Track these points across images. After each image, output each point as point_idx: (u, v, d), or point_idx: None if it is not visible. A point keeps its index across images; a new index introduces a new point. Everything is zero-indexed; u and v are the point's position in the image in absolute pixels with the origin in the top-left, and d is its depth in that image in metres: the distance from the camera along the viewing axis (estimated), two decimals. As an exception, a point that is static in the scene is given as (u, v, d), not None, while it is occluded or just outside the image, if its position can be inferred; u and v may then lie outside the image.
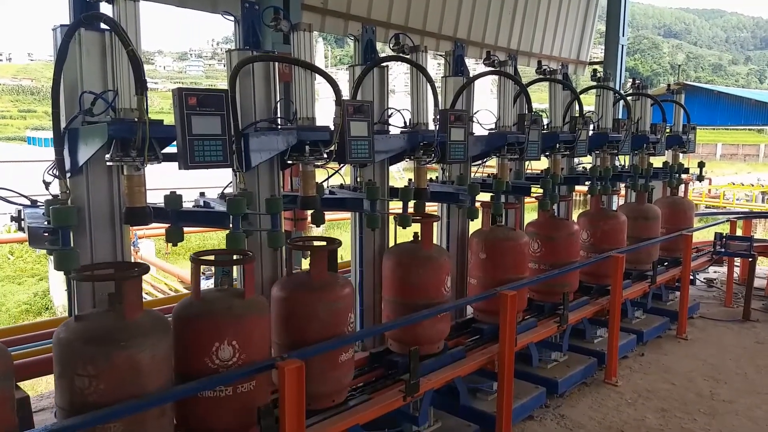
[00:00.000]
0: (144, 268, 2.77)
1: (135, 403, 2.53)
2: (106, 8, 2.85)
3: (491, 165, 5.31)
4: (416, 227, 4.23)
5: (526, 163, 5.67)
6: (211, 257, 3.32)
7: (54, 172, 2.88)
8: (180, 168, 2.84)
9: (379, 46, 4.42)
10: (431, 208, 4.79)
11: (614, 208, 7.52)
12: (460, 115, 4.36)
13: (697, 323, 7.30)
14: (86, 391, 2.51)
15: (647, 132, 6.88)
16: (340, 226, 17.51)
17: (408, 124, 4.37)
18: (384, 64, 4.32)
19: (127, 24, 2.78)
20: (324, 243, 3.63)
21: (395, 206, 4.51)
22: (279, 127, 3.56)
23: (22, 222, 3.19)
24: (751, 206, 23.01)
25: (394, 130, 4.34)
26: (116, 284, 2.73)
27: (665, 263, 7.24)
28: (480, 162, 5.22)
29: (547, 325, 5.12)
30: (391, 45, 4.48)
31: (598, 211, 6.36)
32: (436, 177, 5.08)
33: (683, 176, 7.76)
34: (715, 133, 53.22)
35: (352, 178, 4.37)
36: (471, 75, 5.05)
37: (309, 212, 3.95)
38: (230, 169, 3.27)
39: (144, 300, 3.40)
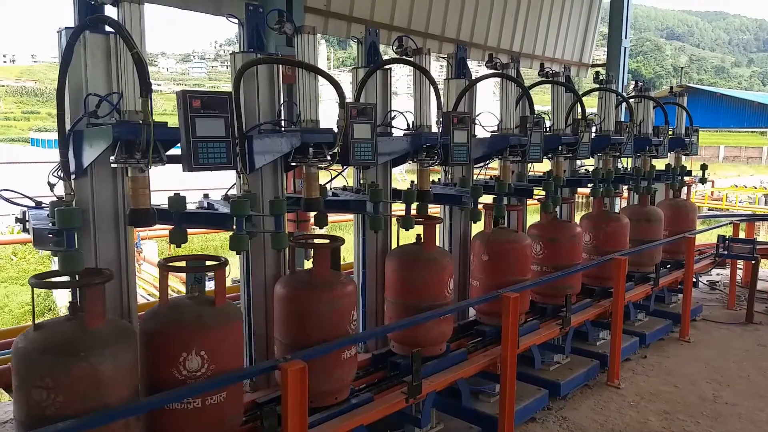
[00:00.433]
0: (107, 276, 2.65)
1: (94, 417, 2.40)
2: (110, 11, 2.87)
3: (494, 167, 5.32)
4: (419, 229, 4.23)
5: (529, 165, 5.68)
6: (182, 263, 3.22)
7: (59, 173, 2.89)
8: (184, 170, 2.85)
9: (381, 48, 4.44)
10: (434, 210, 4.79)
11: (617, 210, 7.52)
12: (462, 117, 4.37)
13: (700, 326, 7.29)
14: (44, 403, 2.39)
15: (650, 134, 6.88)
16: (342, 228, 17.53)
17: (411, 126, 4.38)
18: (387, 66, 4.34)
19: (131, 26, 2.80)
20: (327, 241, 3.63)
21: (398, 208, 4.52)
22: (283, 129, 3.58)
23: (27, 223, 3.20)
24: (754, 209, 22.96)
25: (397, 133, 4.35)
26: (79, 292, 2.63)
27: (668, 266, 7.24)
28: (482, 164, 5.22)
29: (549, 328, 5.12)
30: (394, 47, 4.50)
31: (601, 214, 6.36)
32: (439, 179, 5.09)
33: (686, 178, 7.76)
34: (717, 136, 53.13)
35: (355, 180, 4.38)
36: (473, 77, 5.06)
37: (312, 214, 3.95)
38: (234, 171, 3.28)
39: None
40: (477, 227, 4.95)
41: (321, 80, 3.56)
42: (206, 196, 3.77)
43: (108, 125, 2.76)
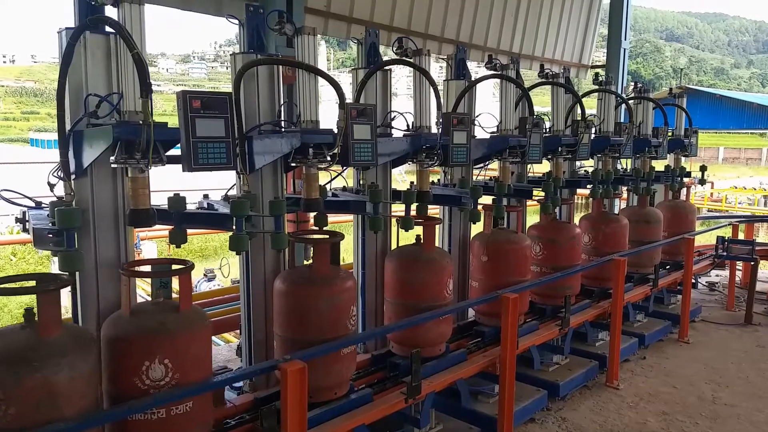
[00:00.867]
0: (64, 282, 2.54)
1: (48, 430, 2.31)
2: (111, 11, 2.88)
3: (493, 168, 5.32)
4: (418, 230, 4.24)
5: (528, 166, 5.68)
6: (147, 268, 3.15)
7: (59, 173, 2.90)
8: (184, 170, 2.86)
9: (381, 49, 4.44)
10: (433, 210, 4.80)
11: (616, 211, 7.53)
12: (462, 118, 4.38)
13: (699, 327, 7.29)
14: None
15: (649, 135, 6.89)
16: (342, 229, 17.51)
17: (411, 127, 4.39)
18: (387, 67, 4.34)
19: (132, 27, 2.81)
20: (326, 236, 3.64)
21: (398, 209, 4.52)
22: (283, 129, 3.58)
23: (27, 223, 3.21)
24: (753, 210, 22.99)
25: (396, 133, 4.36)
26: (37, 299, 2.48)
27: (667, 267, 7.24)
28: (482, 165, 5.23)
29: (548, 328, 5.13)
30: (393, 48, 4.50)
31: (600, 215, 6.36)
32: (439, 180, 5.09)
33: (685, 180, 7.77)
34: (717, 137, 53.14)
35: (355, 180, 4.38)
36: (473, 78, 5.07)
37: (312, 214, 3.96)
38: (234, 172, 3.29)
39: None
40: (476, 228, 4.96)
41: (321, 81, 3.57)
42: (206, 196, 3.77)
43: (108, 125, 2.77)
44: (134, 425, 2.75)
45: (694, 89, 30.28)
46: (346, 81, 4.52)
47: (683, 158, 7.84)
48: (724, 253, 7.83)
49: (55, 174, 2.93)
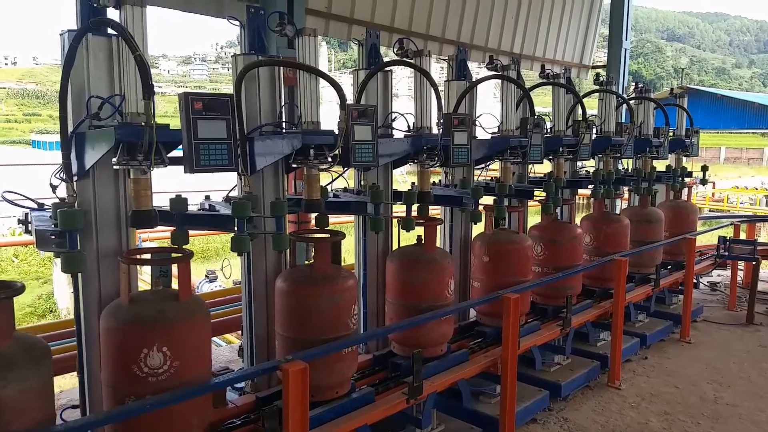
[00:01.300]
0: (16, 289, 2.39)
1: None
2: (113, 13, 2.89)
3: (494, 168, 5.33)
4: (419, 230, 4.24)
5: (529, 166, 5.69)
6: (147, 256, 3.15)
7: (61, 175, 2.91)
8: (186, 171, 2.87)
9: (382, 50, 4.45)
10: (434, 211, 4.80)
11: (617, 211, 7.53)
12: (463, 118, 4.39)
13: (701, 327, 7.29)
14: None
15: (650, 136, 6.89)
16: (343, 229, 17.52)
17: (411, 127, 4.39)
18: (388, 68, 4.35)
19: (134, 29, 2.82)
20: (327, 235, 3.64)
21: (399, 209, 4.53)
22: (284, 131, 3.59)
23: (29, 225, 3.22)
24: (754, 210, 22.98)
25: (397, 134, 4.37)
26: None
27: (668, 267, 7.24)
28: (483, 165, 5.23)
29: (550, 329, 5.13)
30: (394, 49, 4.51)
31: (601, 215, 6.37)
32: (440, 180, 5.10)
33: (686, 180, 7.77)
34: (718, 137, 53.10)
35: (356, 181, 4.39)
36: (474, 79, 5.08)
37: (313, 215, 3.97)
38: (235, 173, 3.29)
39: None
40: (477, 228, 4.97)
41: (322, 82, 3.57)
42: (208, 197, 3.78)
43: (110, 127, 2.78)
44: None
45: (696, 89, 30.26)
46: (347, 82, 4.53)
47: (684, 158, 7.84)
48: (726, 253, 7.82)
49: (57, 176, 2.94)
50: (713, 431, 4.79)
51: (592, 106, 6.21)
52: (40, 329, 5.28)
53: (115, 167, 2.97)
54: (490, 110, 5.17)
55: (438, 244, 4.52)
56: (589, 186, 5.81)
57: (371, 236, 4.39)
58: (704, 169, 7.79)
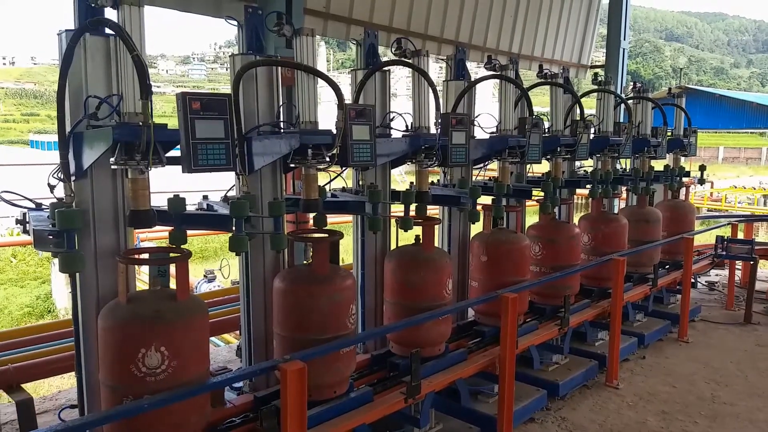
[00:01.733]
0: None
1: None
2: (111, 13, 2.89)
3: (492, 168, 5.33)
4: (418, 230, 4.25)
5: (528, 166, 5.69)
6: (145, 256, 3.16)
7: (59, 175, 2.91)
8: (184, 171, 2.87)
9: (381, 50, 4.45)
10: (432, 211, 4.81)
11: (615, 211, 7.53)
12: (461, 118, 4.39)
13: (699, 326, 7.30)
14: None
15: (648, 135, 6.90)
16: (341, 229, 17.52)
17: (410, 127, 4.39)
18: (386, 68, 4.35)
19: (131, 29, 2.82)
20: (325, 235, 3.64)
21: (397, 209, 4.53)
22: (282, 130, 3.59)
23: (27, 225, 3.22)
24: (752, 209, 23.00)
25: (395, 134, 4.37)
26: None
27: (666, 266, 7.25)
28: (481, 165, 5.23)
29: (548, 328, 5.14)
30: (393, 49, 4.51)
31: (599, 214, 6.37)
32: (438, 180, 5.10)
33: (684, 179, 7.78)
34: (717, 137, 53.14)
35: (354, 181, 4.39)
36: (472, 79, 5.08)
37: (311, 215, 3.97)
38: (233, 173, 3.30)
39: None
40: (476, 228, 4.97)
41: (320, 82, 3.58)
42: (206, 197, 3.78)
43: (108, 127, 2.78)
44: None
45: (694, 89, 30.28)
46: (345, 82, 4.53)
47: (682, 158, 7.85)
48: (724, 253, 7.83)
49: (55, 175, 2.94)
50: (711, 430, 4.80)
51: (590, 105, 6.22)
52: (38, 329, 5.26)
53: (113, 167, 2.97)
54: (488, 110, 5.17)
55: (436, 244, 4.53)
56: (587, 186, 5.82)
57: (369, 236, 4.40)
58: (702, 168, 7.80)
